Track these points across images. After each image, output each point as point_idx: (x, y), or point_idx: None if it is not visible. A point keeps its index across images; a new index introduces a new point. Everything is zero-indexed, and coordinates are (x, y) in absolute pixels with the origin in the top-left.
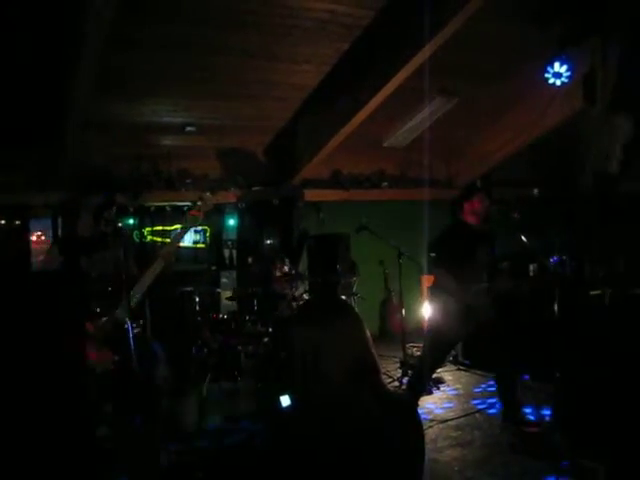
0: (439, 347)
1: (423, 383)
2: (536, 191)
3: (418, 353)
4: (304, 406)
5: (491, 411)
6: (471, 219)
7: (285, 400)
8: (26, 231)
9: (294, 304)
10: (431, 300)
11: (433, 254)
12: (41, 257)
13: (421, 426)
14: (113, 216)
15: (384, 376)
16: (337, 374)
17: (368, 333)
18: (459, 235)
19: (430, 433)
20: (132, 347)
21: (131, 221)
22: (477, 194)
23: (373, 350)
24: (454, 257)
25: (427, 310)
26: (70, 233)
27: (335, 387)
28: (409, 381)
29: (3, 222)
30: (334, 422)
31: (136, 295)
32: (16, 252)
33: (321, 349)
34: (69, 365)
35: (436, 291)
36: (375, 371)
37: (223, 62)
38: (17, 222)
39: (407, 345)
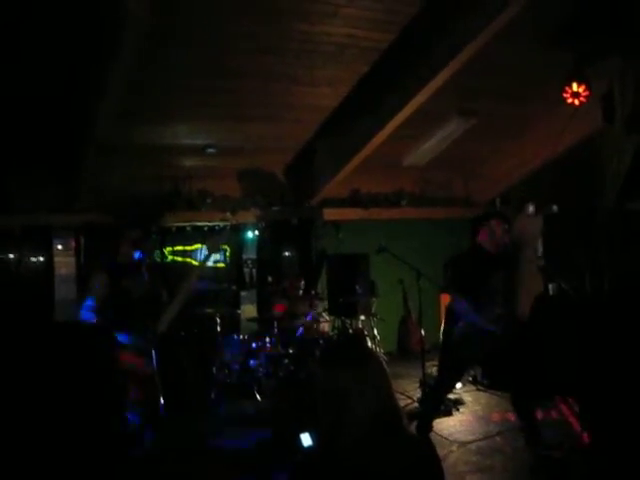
0: (452, 367)
1: (437, 403)
2: (555, 208)
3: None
4: (328, 452)
5: (511, 434)
6: (488, 244)
7: (306, 439)
8: (50, 269)
9: (315, 326)
10: (446, 320)
11: (449, 276)
12: (93, 282)
13: (442, 470)
14: (148, 246)
15: (403, 396)
16: (363, 420)
17: (388, 374)
18: (474, 260)
19: (450, 457)
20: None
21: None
22: (494, 219)
23: (393, 391)
24: (468, 282)
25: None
26: (115, 260)
27: (361, 433)
28: (423, 400)
29: (32, 259)
30: (360, 468)
31: (164, 323)
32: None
33: (346, 396)
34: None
35: (451, 313)
36: (398, 416)
37: (244, 85)
38: (41, 258)
39: (426, 364)
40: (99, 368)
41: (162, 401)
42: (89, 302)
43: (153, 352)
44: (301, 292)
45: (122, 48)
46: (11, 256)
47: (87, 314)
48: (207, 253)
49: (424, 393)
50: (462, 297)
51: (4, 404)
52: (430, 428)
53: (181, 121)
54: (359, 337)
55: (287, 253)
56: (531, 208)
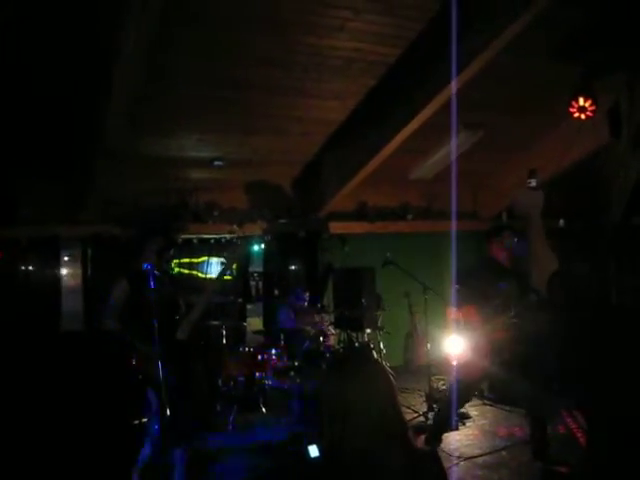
0: (466, 383)
1: (449, 419)
2: (562, 222)
3: (444, 386)
4: (333, 462)
5: (518, 448)
6: (499, 256)
7: (314, 450)
8: (57, 280)
9: (321, 338)
10: (458, 334)
11: (459, 288)
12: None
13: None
14: (170, 256)
15: (409, 410)
16: (366, 431)
17: (394, 385)
18: (486, 271)
19: (456, 471)
20: (161, 379)
21: None
22: (506, 232)
23: (399, 403)
24: (480, 292)
25: (452, 343)
26: (137, 268)
27: (366, 444)
28: (434, 417)
29: (39, 270)
30: (363, 478)
31: (184, 332)
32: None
33: (350, 407)
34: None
35: (463, 326)
36: (403, 427)
37: (251, 98)
38: (48, 270)
39: (432, 378)
40: (117, 376)
41: (168, 412)
42: (109, 309)
43: (159, 362)
44: (306, 304)
45: (128, 58)
46: (18, 267)
47: (108, 322)
48: (226, 265)
49: (430, 408)
50: (474, 308)
51: (22, 412)
52: (439, 441)
53: (188, 133)
54: (365, 349)
55: (293, 266)
56: (533, 182)
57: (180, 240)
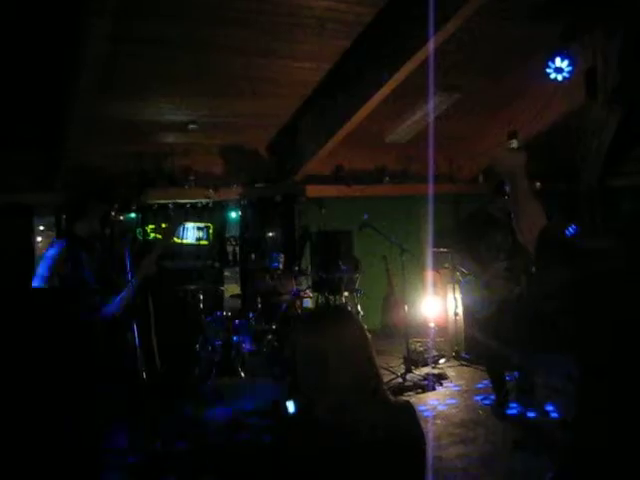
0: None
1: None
2: (538, 184)
3: (421, 348)
4: (309, 416)
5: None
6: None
7: (291, 406)
8: (31, 249)
9: (298, 302)
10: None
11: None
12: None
13: (422, 433)
14: (117, 218)
15: (387, 371)
16: (343, 383)
17: (370, 339)
18: (479, 221)
19: (433, 430)
20: (137, 345)
21: (133, 215)
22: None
23: (375, 357)
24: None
25: (429, 305)
26: (76, 232)
27: (341, 396)
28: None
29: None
30: (340, 432)
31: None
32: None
33: (325, 360)
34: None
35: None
36: (378, 380)
37: (225, 60)
38: (21, 238)
39: (410, 340)
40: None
41: (144, 375)
42: (41, 270)
43: (134, 326)
44: (281, 266)
45: (97, 23)
46: None
47: (37, 284)
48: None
49: (409, 369)
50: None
51: None
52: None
53: (163, 97)
54: (342, 306)
55: (270, 230)
56: (514, 143)
57: (156, 205)
